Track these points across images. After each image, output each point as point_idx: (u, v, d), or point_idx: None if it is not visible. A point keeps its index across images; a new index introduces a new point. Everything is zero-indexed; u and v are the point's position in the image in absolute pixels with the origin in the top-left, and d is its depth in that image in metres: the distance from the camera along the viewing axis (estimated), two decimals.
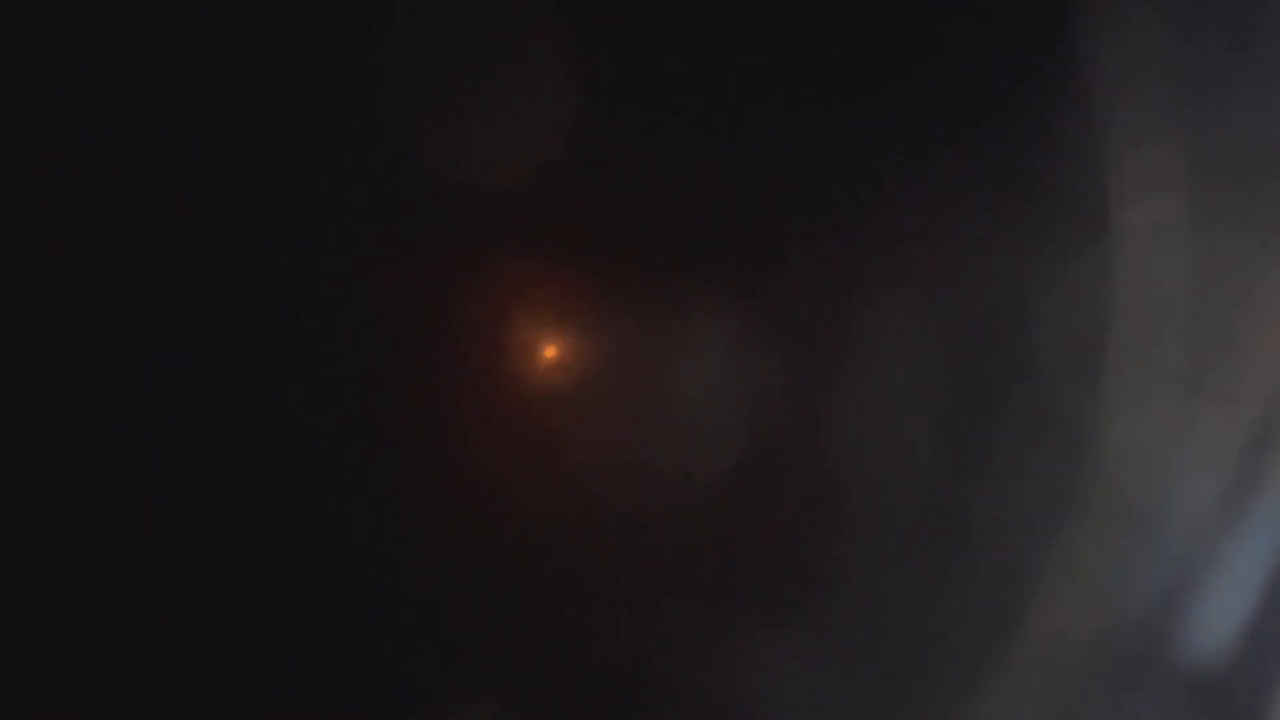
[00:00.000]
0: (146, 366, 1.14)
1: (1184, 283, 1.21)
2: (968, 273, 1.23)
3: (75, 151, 1.11)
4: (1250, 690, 1.18)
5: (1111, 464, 1.22)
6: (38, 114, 1.10)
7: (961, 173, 1.21)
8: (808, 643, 1.23)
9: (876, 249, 1.24)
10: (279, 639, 1.16)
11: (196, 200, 1.13)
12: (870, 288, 1.24)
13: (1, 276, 1.10)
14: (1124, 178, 1.23)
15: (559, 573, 1.22)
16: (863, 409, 1.25)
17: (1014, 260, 1.22)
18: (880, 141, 1.22)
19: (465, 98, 1.17)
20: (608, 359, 1.24)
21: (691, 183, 1.23)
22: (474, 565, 1.21)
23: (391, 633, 1.19)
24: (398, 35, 1.14)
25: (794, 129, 1.22)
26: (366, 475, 1.18)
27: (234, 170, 1.13)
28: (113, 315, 1.13)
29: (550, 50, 1.17)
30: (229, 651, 1.14)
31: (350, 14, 1.14)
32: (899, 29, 1.21)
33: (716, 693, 1.24)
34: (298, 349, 1.17)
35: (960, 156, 1.21)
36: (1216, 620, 1.20)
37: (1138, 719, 1.21)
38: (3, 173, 1.09)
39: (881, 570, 1.24)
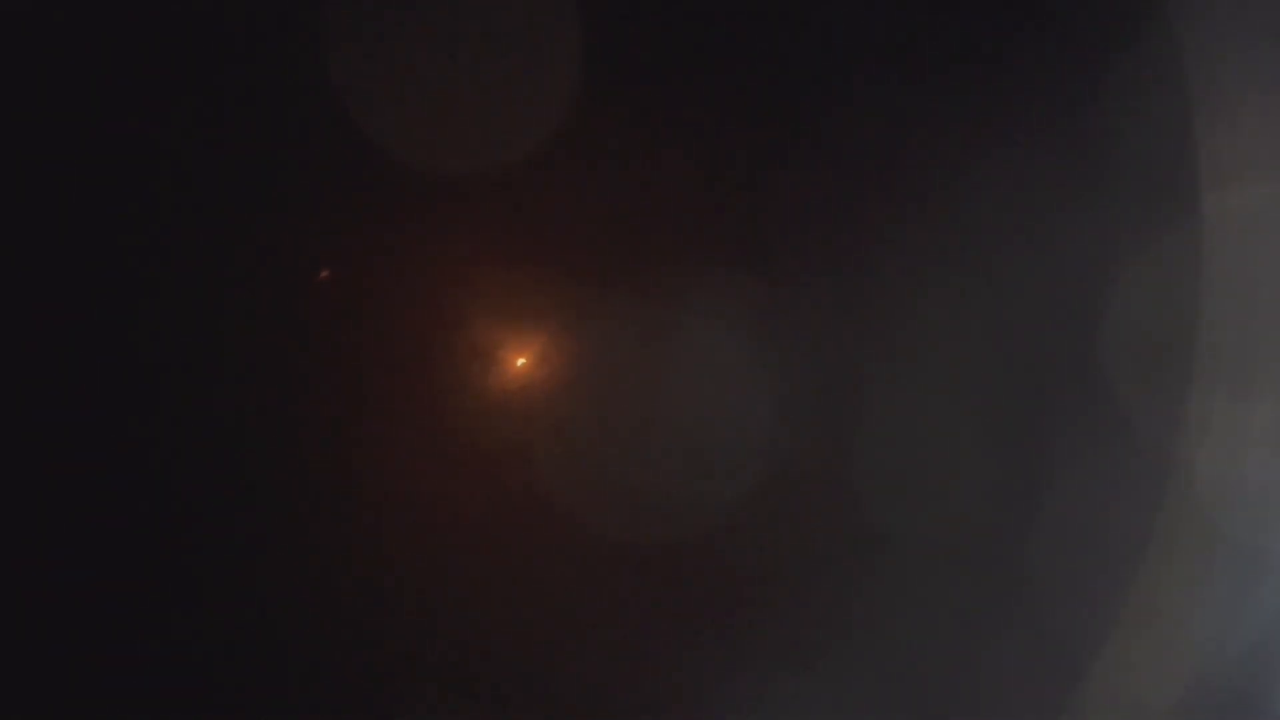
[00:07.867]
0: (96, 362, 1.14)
1: None
2: (1026, 258, 1.15)
3: (48, 143, 1.11)
4: None
5: (1199, 488, 1.14)
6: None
7: (1038, 154, 1.14)
8: (830, 700, 1.15)
9: (920, 229, 1.17)
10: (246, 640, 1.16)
11: (165, 189, 1.14)
12: (907, 277, 1.17)
13: None
14: (1218, 160, 1.15)
15: (553, 583, 1.18)
16: (902, 420, 1.17)
17: (1088, 248, 1.14)
18: (953, 116, 1.16)
19: (446, 90, 1.15)
20: (626, 362, 1.20)
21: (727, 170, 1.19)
22: (466, 567, 1.19)
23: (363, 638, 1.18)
24: (376, 26, 1.14)
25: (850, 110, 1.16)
26: (338, 474, 1.18)
27: (204, 161, 1.14)
28: (78, 307, 1.13)
29: (534, 45, 1.15)
30: (195, 652, 1.15)
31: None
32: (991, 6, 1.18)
33: None
34: (281, 342, 1.17)
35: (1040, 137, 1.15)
36: None
37: None
38: None
39: (923, 614, 1.16)
